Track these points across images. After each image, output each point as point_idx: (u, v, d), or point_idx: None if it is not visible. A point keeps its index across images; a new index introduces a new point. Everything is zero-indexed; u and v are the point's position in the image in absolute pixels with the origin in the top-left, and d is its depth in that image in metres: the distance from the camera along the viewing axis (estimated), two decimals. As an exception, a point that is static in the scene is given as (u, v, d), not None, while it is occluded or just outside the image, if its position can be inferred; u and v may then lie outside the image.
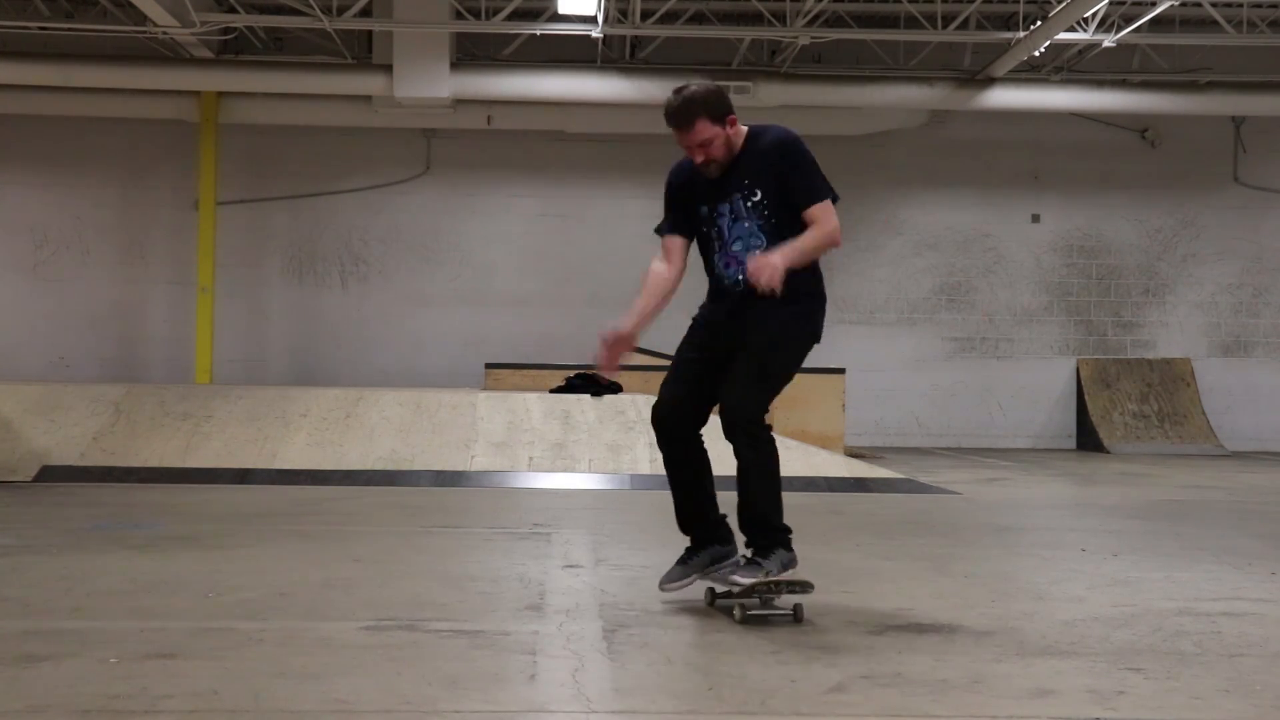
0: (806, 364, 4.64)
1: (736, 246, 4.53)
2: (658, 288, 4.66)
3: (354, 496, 8.68)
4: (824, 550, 6.39)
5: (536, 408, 10.62)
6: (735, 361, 4.46)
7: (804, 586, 4.46)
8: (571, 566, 5.62)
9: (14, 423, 10.06)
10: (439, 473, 9.71)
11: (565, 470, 9.86)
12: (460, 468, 9.80)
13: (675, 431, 4.60)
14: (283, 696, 3.31)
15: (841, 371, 13.56)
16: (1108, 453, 15.99)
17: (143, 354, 16.82)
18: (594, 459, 10.02)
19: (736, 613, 4.37)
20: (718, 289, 4.64)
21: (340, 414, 10.38)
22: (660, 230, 4.75)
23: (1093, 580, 5.48)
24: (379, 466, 9.76)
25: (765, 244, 4.47)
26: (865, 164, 16.89)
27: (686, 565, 4.65)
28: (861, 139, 16.77)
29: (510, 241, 17.03)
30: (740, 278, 4.47)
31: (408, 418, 10.37)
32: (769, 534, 4.47)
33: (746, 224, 4.53)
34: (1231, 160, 17.44)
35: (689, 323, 4.72)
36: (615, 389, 11.43)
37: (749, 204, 4.53)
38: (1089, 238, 17.41)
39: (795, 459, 10.16)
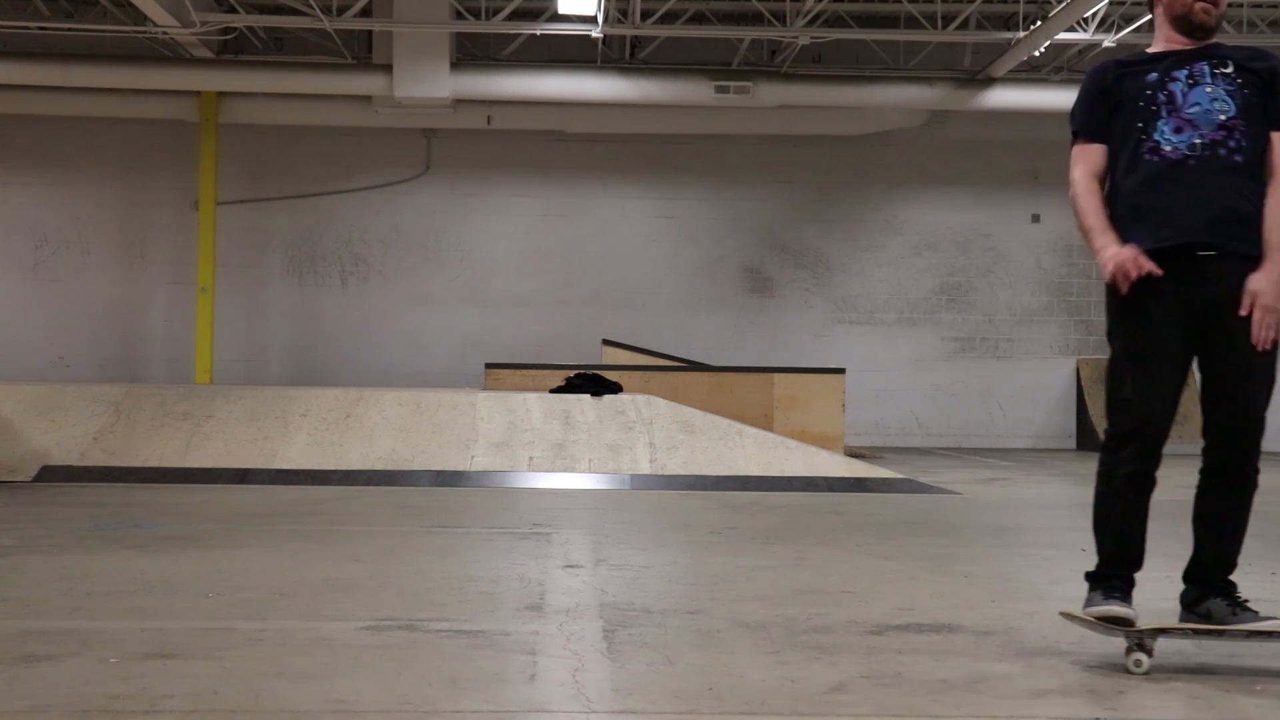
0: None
1: (1193, 110, 3.74)
2: (1099, 198, 3.88)
3: (354, 496, 8.68)
4: (824, 550, 6.39)
5: (536, 408, 10.62)
6: (1237, 360, 3.75)
7: None
8: (571, 566, 5.62)
9: (14, 423, 10.05)
10: (439, 473, 9.71)
11: (565, 470, 9.86)
12: (460, 468, 9.80)
13: (1159, 448, 3.91)
14: (283, 696, 3.30)
15: (841, 372, 13.55)
16: (1108, 453, 15.96)
17: (143, 354, 16.82)
18: (594, 459, 10.02)
19: None
20: (1148, 175, 3.76)
21: (340, 414, 10.38)
22: (1076, 128, 3.94)
23: (1093, 580, 5.47)
24: (379, 466, 9.76)
25: (1234, 112, 3.72)
26: (865, 164, 16.92)
27: (1125, 602, 3.86)
28: (861, 139, 16.77)
29: (510, 241, 17.03)
30: (1197, 141, 3.70)
31: (408, 418, 10.37)
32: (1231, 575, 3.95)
33: (1209, 89, 3.76)
34: (1231, 160, 17.42)
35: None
36: (615, 389, 11.42)
37: (1217, 70, 3.79)
38: (1089, 238, 17.39)
39: (795, 459, 10.18)
